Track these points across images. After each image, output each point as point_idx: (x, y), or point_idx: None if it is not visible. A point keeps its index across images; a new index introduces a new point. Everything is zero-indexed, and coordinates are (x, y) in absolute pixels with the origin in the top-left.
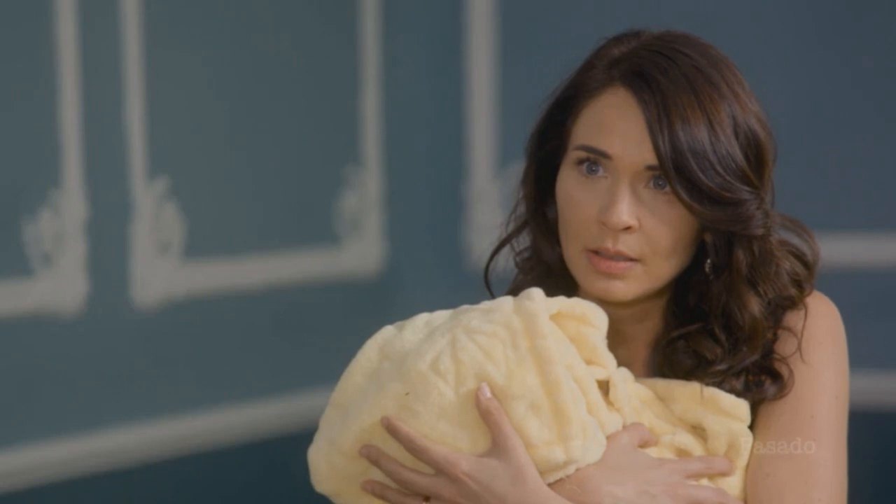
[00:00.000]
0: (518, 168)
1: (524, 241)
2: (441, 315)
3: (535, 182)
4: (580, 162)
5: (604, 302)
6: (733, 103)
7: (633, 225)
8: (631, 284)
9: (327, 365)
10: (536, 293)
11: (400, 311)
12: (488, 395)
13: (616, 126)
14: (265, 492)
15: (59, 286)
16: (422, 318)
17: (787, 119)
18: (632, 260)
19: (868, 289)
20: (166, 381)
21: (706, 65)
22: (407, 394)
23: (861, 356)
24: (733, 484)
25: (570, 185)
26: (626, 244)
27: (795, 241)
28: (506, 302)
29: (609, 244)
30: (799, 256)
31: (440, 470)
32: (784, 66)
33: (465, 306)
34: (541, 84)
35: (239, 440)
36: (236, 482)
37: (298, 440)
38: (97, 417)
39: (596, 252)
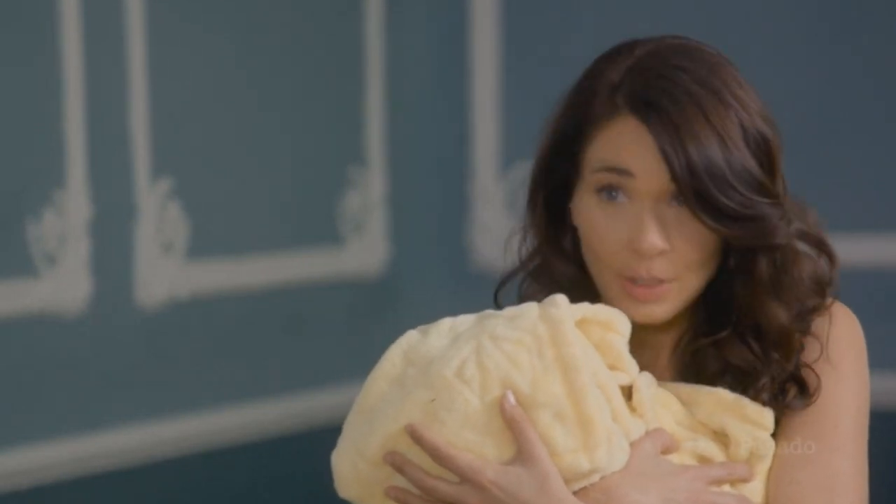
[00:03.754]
0: (522, 168)
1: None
2: (465, 320)
3: (545, 209)
4: (600, 189)
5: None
6: (738, 109)
7: (665, 248)
8: (668, 305)
9: (331, 365)
10: (561, 300)
11: (403, 312)
12: (513, 402)
13: (633, 151)
14: (269, 492)
15: (63, 286)
16: (446, 323)
17: (795, 118)
18: (667, 282)
19: (875, 288)
20: (170, 381)
21: (706, 75)
22: (432, 401)
23: (875, 357)
24: (756, 490)
25: (592, 212)
26: (660, 268)
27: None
28: (531, 308)
29: (643, 271)
30: (819, 247)
31: (465, 478)
32: (792, 64)
33: (490, 311)
34: (545, 84)
35: (242, 440)
36: (240, 482)
37: (302, 440)
38: (100, 417)
39: (630, 279)
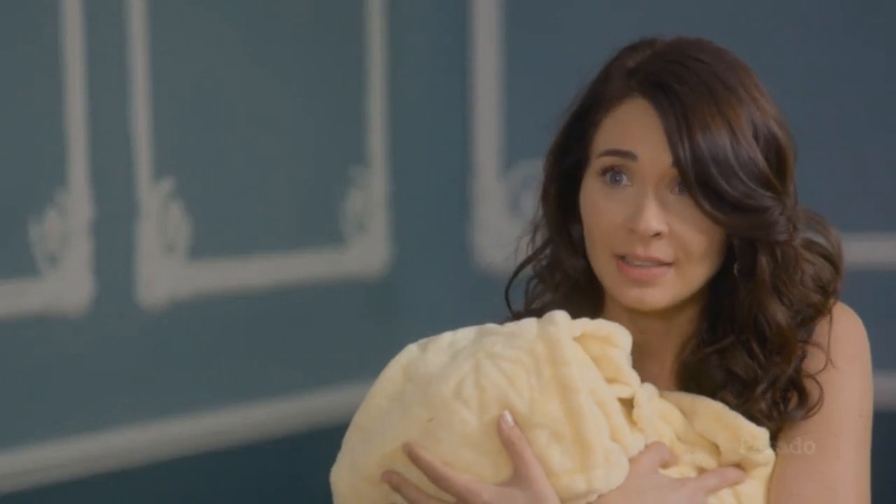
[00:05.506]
0: (523, 168)
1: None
2: (465, 335)
3: (556, 200)
4: (604, 172)
5: (634, 313)
6: (752, 108)
7: (662, 231)
8: (664, 291)
9: (333, 365)
10: (560, 317)
11: (405, 312)
12: (510, 422)
13: (638, 132)
14: (269, 492)
15: (65, 286)
16: (445, 339)
17: (795, 118)
18: (665, 265)
19: (875, 288)
20: (171, 381)
21: (723, 69)
22: (430, 420)
23: (876, 357)
24: (755, 499)
25: (595, 194)
26: (658, 249)
27: (818, 238)
28: (530, 326)
29: (640, 250)
30: (825, 256)
31: (461, 498)
32: (792, 65)
33: (490, 326)
34: (546, 83)
35: (244, 440)
36: (243, 482)
37: (304, 440)
38: (102, 417)
39: (625, 259)
